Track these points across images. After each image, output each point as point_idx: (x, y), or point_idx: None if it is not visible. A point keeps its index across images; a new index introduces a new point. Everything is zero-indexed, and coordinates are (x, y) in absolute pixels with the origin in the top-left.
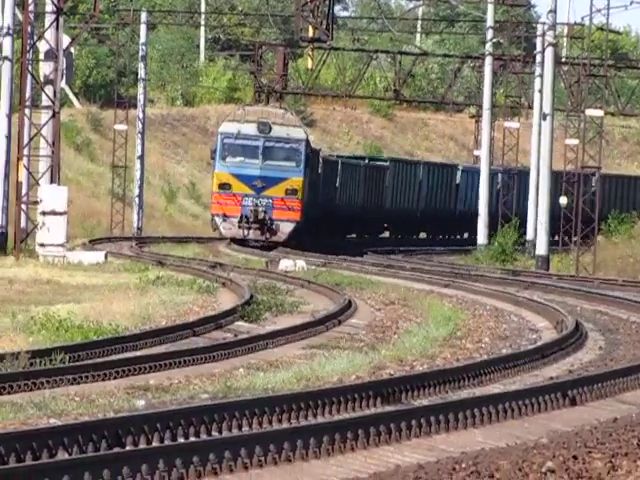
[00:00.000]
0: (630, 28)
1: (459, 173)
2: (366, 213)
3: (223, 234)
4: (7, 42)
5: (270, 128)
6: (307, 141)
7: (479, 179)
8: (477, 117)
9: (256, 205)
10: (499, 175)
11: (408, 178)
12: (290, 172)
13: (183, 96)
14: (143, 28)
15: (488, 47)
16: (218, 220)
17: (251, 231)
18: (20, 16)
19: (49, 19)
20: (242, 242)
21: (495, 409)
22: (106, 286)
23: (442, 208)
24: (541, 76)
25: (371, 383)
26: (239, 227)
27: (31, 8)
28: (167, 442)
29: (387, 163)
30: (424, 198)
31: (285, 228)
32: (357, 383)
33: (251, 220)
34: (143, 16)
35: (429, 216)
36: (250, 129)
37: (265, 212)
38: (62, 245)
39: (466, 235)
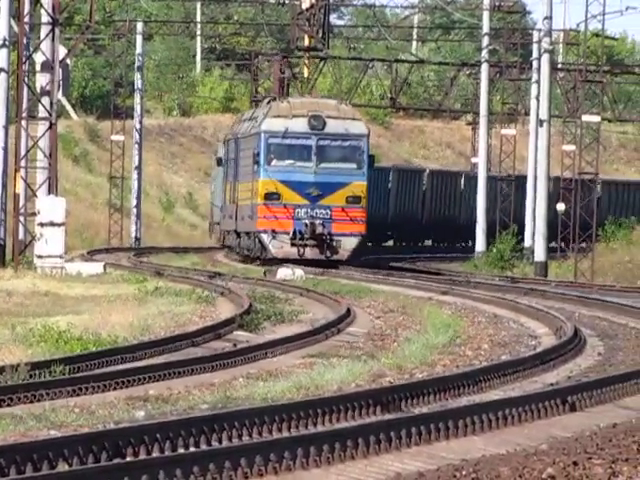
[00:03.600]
0: (626, 34)
1: None
2: None
3: (273, 254)
4: (3, 54)
5: (324, 123)
6: (369, 137)
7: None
8: (474, 124)
9: (312, 217)
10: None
11: None
12: (351, 175)
13: (180, 106)
14: (139, 38)
15: (484, 54)
16: (266, 238)
17: (307, 249)
18: (15, 27)
19: (45, 30)
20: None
21: (495, 416)
22: (105, 297)
23: None
24: (537, 82)
25: (371, 391)
26: (292, 245)
27: (26, 19)
28: (167, 453)
29: None
30: None
31: (348, 244)
32: (357, 391)
33: (306, 236)
34: (139, 26)
35: None
36: (300, 125)
37: (323, 225)
38: (60, 256)
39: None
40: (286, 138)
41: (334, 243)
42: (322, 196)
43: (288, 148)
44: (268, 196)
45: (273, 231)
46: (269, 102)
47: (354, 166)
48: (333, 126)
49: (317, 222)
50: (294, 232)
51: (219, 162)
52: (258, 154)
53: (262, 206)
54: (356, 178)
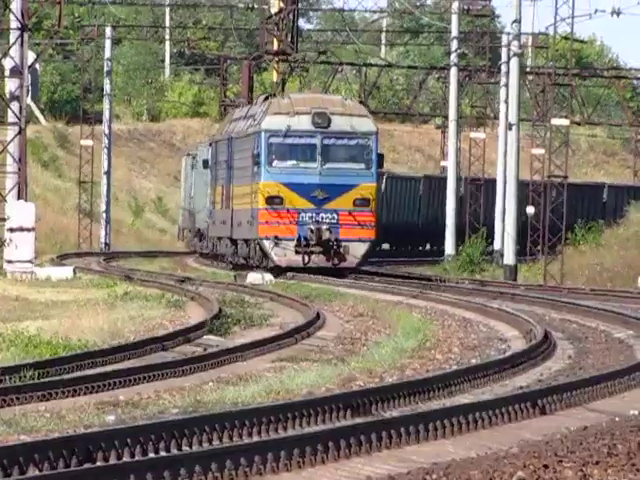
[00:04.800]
0: (595, 37)
1: None
2: None
3: (276, 262)
4: None
5: (329, 120)
6: (378, 134)
7: None
8: (443, 128)
9: (317, 222)
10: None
11: None
12: (359, 177)
13: (149, 111)
14: (108, 43)
15: (453, 58)
16: (268, 245)
17: (313, 256)
18: None
19: (14, 36)
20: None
21: (465, 419)
22: (75, 302)
23: None
24: (506, 86)
25: (341, 395)
26: (296, 252)
27: None
28: (138, 457)
29: None
30: None
31: (356, 250)
32: (327, 395)
33: (312, 242)
34: (107, 31)
35: None
36: (303, 123)
37: (330, 231)
38: (30, 261)
39: None
40: (288, 137)
41: (342, 249)
42: (328, 199)
43: (291, 148)
44: (270, 200)
45: (276, 237)
46: (267, 98)
47: (362, 166)
48: (339, 123)
49: (323, 227)
50: (298, 238)
51: (205, 164)
52: (258, 155)
53: (263, 211)
54: (365, 179)
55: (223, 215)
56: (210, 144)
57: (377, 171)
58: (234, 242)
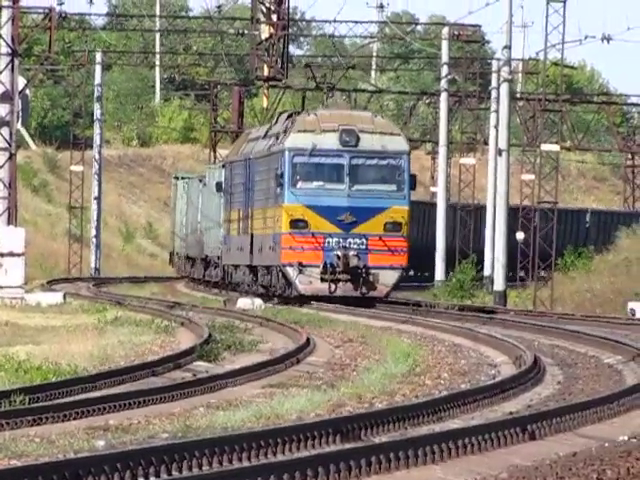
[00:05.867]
0: (585, 63)
1: None
2: None
3: (300, 291)
4: None
5: (358, 138)
6: (410, 154)
7: None
8: (433, 154)
9: (345, 248)
10: None
11: None
12: (390, 199)
13: (139, 136)
14: (98, 69)
15: (443, 83)
16: (292, 272)
17: (340, 284)
18: None
19: (4, 61)
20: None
21: (455, 445)
22: (65, 327)
23: None
24: (496, 112)
25: (330, 420)
26: (322, 280)
27: None
28: None
29: None
30: None
31: (387, 278)
32: (316, 421)
33: (339, 269)
34: (98, 57)
35: None
36: (330, 141)
37: (358, 257)
38: (20, 287)
39: None
40: (314, 156)
41: (371, 277)
42: (356, 223)
43: (316, 168)
44: (294, 224)
45: (300, 264)
46: (290, 116)
47: (393, 188)
48: (368, 142)
49: (351, 253)
50: (324, 265)
51: (218, 187)
52: (282, 175)
53: (287, 235)
54: (396, 202)
55: (240, 241)
56: (223, 166)
57: (409, 193)
58: (253, 269)
